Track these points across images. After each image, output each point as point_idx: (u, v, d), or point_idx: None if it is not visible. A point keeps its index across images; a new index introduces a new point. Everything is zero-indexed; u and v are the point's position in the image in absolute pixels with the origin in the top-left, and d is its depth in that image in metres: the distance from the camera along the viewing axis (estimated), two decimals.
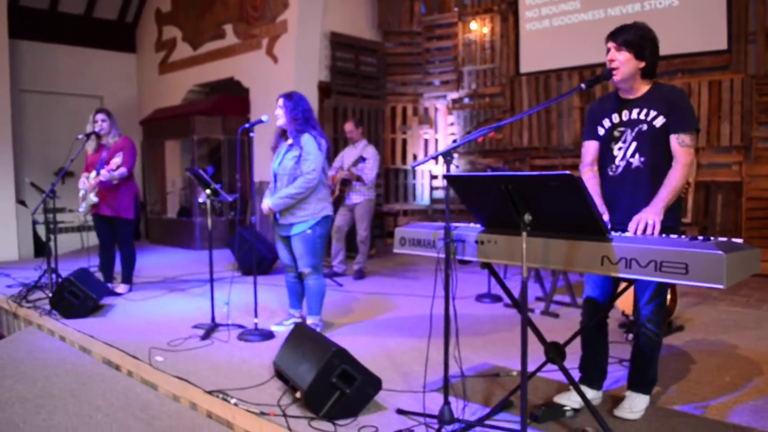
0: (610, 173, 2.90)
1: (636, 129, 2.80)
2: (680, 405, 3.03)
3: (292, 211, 4.25)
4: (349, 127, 6.75)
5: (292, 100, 4.26)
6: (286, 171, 4.23)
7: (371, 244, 8.27)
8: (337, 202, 6.59)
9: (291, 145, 4.26)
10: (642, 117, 2.79)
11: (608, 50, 2.79)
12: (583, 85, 2.70)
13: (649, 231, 2.57)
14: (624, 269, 2.20)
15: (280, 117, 4.27)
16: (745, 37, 6.79)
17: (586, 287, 3.00)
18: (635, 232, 2.58)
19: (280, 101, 4.27)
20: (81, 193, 5.64)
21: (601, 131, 2.94)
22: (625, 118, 2.85)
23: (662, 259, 2.12)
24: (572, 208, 2.24)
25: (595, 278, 2.94)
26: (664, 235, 2.48)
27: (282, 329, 4.39)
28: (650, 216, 2.59)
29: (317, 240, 4.30)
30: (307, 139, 4.21)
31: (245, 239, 6.83)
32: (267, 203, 4.25)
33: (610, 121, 2.90)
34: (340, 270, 6.76)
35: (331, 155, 5.75)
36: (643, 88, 2.82)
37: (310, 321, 4.42)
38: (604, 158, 2.95)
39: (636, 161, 2.81)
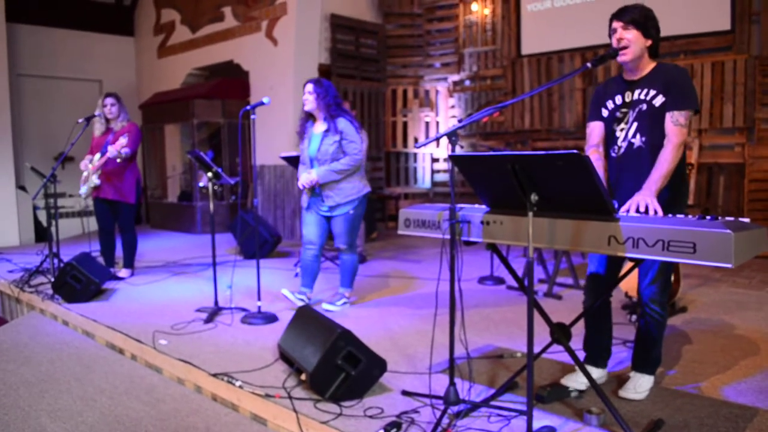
0: (613, 155, 2.89)
1: (637, 109, 2.79)
2: (684, 385, 3.04)
3: (340, 191, 4.35)
4: None
5: (323, 86, 4.37)
6: (328, 155, 4.32)
7: (372, 227, 8.28)
8: None
9: (326, 131, 4.34)
10: (642, 97, 2.77)
11: (614, 30, 2.76)
12: (589, 64, 2.67)
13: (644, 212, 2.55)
14: (631, 249, 2.19)
15: (310, 102, 4.36)
16: (748, 18, 6.73)
17: (590, 264, 2.99)
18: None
19: (310, 87, 4.36)
20: (84, 174, 5.61)
21: (605, 113, 2.93)
22: (628, 99, 2.83)
23: (670, 239, 2.10)
24: (579, 187, 2.22)
25: (598, 256, 2.93)
26: (670, 215, 2.46)
27: (289, 296, 4.47)
28: (645, 198, 2.55)
29: (357, 219, 4.48)
30: (346, 124, 4.36)
31: (247, 223, 6.82)
32: (311, 175, 4.31)
33: (614, 102, 2.89)
34: None
35: None
36: (648, 67, 2.80)
37: (342, 291, 4.61)
38: (608, 140, 2.94)
39: (637, 141, 2.79)
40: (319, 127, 4.42)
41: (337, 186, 4.36)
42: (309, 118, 4.51)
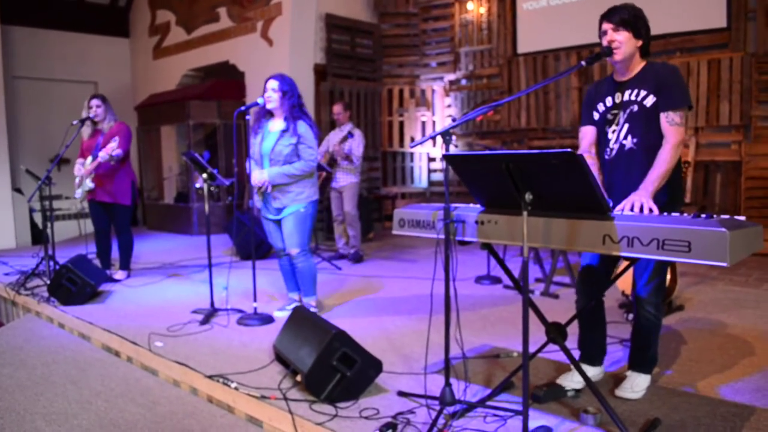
0: (606, 157, 2.88)
1: (628, 110, 2.77)
2: (681, 384, 3.03)
3: (287, 194, 4.21)
4: (337, 108, 6.72)
5: (288, 84, 4.19)
6: (281, 156, 4.16)
7: (369, 226, 8.27)
8: (325, 183, 6.57)
9: (284, 131, 4.17)
10: (633, 98, 2.76)
11: (604, 32, 2.76)
12: (583, 63, 2.66)
13: (638, 212, 2.54)
14: (626, 248, 2.18)
15: (273, 101, 4.17)
16: (744, 15, 6.72)
17: (583, 258, 2.97)
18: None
19: (274, 84, 4.17)
20: (77, 179, 5.59)
21: (596, 115, 2.93)
22: (618, 100, 2.83)
23: (665, 237, 2.09)
24: (574, 186, 2.21)
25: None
26: (665, 213, 2.46)
27: (283, 314, 4.38)
28: (641, 198, 2.53)
29: (308, 218, 4.30)
30: (306, 129, 4.19)
31: (243, 224, 6.81)
32: (263, 175, 4.16)
33: (605, 105, 2.89)
34: (346, 252, 6.79)
35: (321, 138, 5.70)
36: (638, 67, 2.79)
37: (306, 301, 4.43)
38: (601, 142, 2.93)
39: (629, 143, 2.78)
40: (277, 124, 4.23)
41: (286, 189, 4.20)
42: (267, 114, 4.30)
